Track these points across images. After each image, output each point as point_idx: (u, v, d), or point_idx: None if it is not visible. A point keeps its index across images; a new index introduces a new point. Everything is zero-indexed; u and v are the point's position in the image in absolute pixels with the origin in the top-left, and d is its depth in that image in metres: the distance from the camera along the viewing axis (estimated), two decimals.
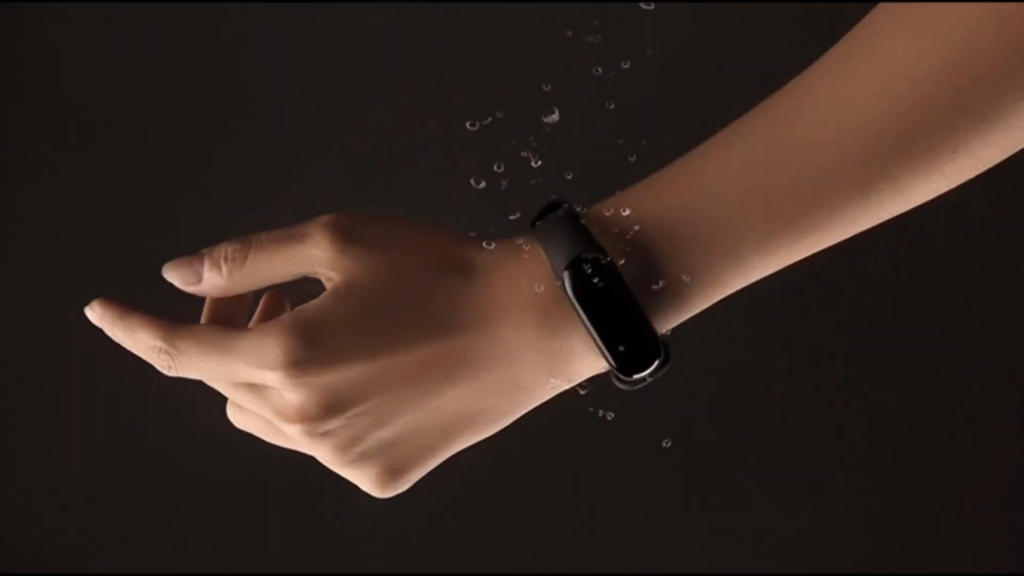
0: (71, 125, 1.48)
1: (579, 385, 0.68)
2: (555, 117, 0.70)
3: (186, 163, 1.49)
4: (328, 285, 0.65)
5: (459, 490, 1.47)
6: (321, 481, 0.77)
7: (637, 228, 0.65)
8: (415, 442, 0.67)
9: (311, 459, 0.68)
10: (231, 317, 0.69)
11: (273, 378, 0.64)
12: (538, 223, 0.66)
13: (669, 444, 1.54)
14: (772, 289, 0.73)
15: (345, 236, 0.65)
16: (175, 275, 0.67)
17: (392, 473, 0.67)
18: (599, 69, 0.79)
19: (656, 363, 0.65)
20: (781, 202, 0.64)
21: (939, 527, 1.51)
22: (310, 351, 0.64)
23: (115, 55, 1.48)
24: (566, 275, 0.64)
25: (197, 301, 0.69)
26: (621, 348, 0.65)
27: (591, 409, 0.73)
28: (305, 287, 0.67)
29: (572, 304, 0.64)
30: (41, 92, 1.48)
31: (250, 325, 0.69)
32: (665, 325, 0.66)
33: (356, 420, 0.65)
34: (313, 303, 0.65)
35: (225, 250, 0.67)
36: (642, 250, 0.65)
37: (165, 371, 0.67)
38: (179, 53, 1.48)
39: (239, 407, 0.68)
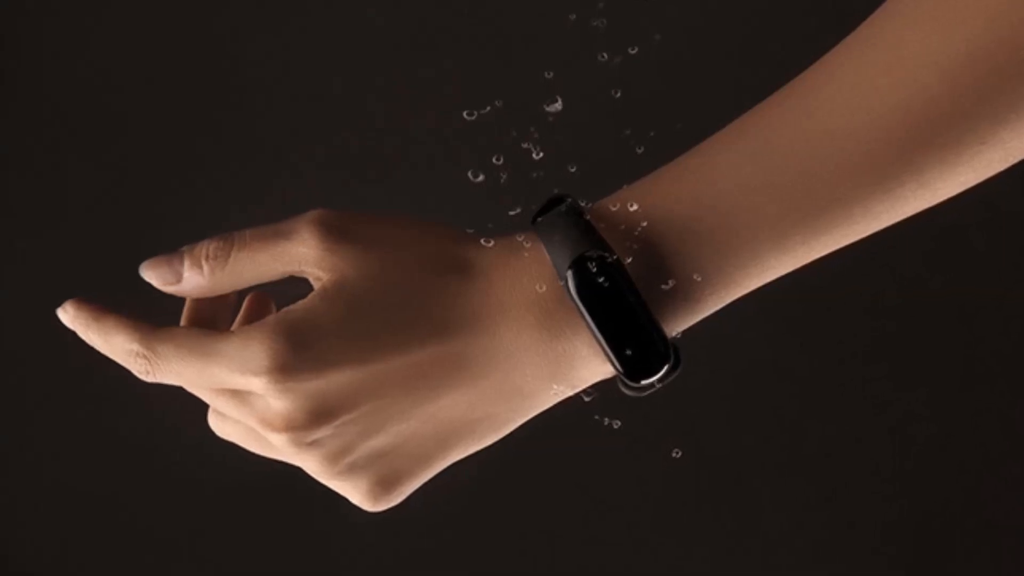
0: (54, 120, 1.48)
1: (583, 391, 0.67)
2: (558, 106, 0.69)
3: (173, 158, 1.49)
4: (316, 285, 0.65)
5: (456, 502, 1.47)
6: (313, 490, 0.76)
7: (645, 224, 0.64)
8: (408, 452, 0.66)
9: (300, 469, 0.67)
10: (213, 319, 0.68)
11: (257, 384, 0.63)
12: (540, 219, 0.66)
13: (679, 454, 1.53)
14: (789, 288, 0.73)
15: (334, 233, 0.65)
16: (153, 274, 0.67)
17: (384, 485, 0.67)
18: (604, 55, 0.79)
19: (665, 368, 0.65)
20: (797, 197, 0.63)
21: (959, 537, 1.51)
22: (297, 355, 0.63)
23: (100, 46, 1.48)
24: (569, 274, 0.64)
25: (178, 302, 0.69)
26: (628, 352, 0.64)
27: (596, 417, 0.73)
28: (293, 287, 0.67)
29: (576, 305, 0.64)
30: (24, 87, 1.48)
31: (233, 327, 0.68)
32: (675, 327, 0.65)
33: (345, 428, 0.65)
34: (300, 304, 0.64)
35: (206, 248, 0.66)
36: (650, 248, 0.64)
37: (143, 376, 0.66)
38: (166, 43, 1.48)
39: (221, 415, 0.67)
